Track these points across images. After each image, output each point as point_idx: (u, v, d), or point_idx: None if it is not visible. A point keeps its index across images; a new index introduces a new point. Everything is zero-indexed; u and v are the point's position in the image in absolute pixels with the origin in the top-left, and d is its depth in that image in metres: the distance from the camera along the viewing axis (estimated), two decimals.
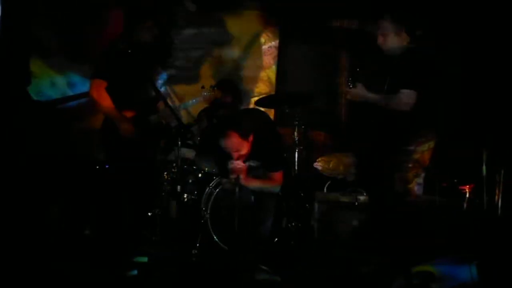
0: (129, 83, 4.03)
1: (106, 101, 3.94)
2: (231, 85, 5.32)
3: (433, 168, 3.92)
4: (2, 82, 4.46)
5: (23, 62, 5.06)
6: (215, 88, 4.50)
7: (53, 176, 4.83)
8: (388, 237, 3.80)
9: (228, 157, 3.93)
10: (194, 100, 4.61)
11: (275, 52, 6.16)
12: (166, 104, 4.18)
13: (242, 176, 3.83)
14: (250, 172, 4.01)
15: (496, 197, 4.32)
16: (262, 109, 5.13)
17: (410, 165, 3.74)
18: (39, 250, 4.19)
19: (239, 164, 3.87)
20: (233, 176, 3.83)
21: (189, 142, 5.11)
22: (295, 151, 5.01)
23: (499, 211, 4.27)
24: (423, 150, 3.75)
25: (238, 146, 3.81)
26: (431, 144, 3.76)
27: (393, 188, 3.74)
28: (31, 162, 4.67)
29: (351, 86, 3.69)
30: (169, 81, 6.06)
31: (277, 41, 6.15)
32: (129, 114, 4.03)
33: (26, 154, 4.64)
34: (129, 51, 3.96)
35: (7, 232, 4.17)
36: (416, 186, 3.79)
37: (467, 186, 4.51)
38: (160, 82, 5.86)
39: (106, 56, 4.05)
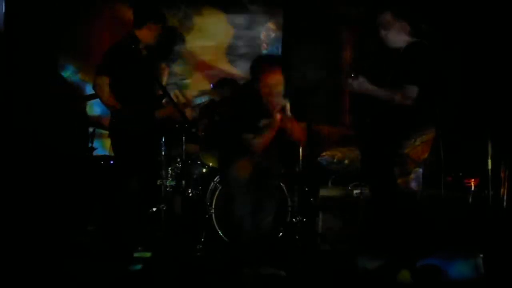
0: (133, 80, 4.02)
1: (108, 97, 3.94)
2: (231, 83, 5.31)
3: (438, 162, 3.90)
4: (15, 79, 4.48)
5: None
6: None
7: (57, 171, 4.84)
8: (392, 231, 3.79)
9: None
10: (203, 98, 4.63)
11: None
12: (171, 100, 4.17)
13: (286, 115, 3.68)
14: None
15: (502, 190, 4.32)
16: None
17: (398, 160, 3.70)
18: (42, 245, 4.20)
19: (279, 103, 3.71)
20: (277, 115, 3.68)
21: (193, 137, 5.10)
22: (299, 145, 5.00)
23: (505, 205, 4.27)
24: (415, 145, 3.69)
25: (280, 83, 3.70)
26: (424, 138, 3.70)
27: (394, 182, 3.72)
28: (37, 157, 4.68)
29: (353, 78, 3.67)
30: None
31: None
32: (133, 110, 4.02)
33: (32, 149, 4.65)
34: (133, 46, 3.96)
35: (13, 227, 4.18)
36: (412, 182, 3.71)
37: (472, 180, 4.50)
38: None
39: (110, 53, 4.04)
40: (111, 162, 4.88)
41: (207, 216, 4.59)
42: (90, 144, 5.03)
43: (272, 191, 3.91)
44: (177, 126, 4.99)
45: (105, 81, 3.93)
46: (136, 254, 4.01)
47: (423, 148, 3.67)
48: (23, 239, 4.16)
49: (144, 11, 4.10)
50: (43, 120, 4.84)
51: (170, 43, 5.84)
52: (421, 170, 3.72)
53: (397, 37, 3.73)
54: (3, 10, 4.33)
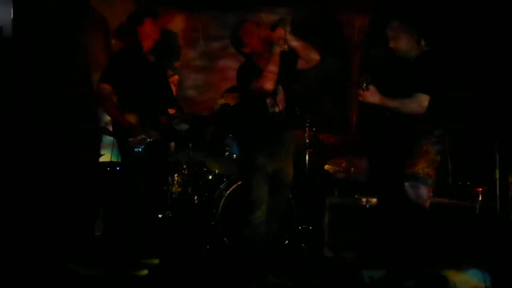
0: (137, 87, 4.02)
1: (111, 106, 3.94)
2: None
3: (445, 170, 3.88)
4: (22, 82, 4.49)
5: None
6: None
7: (64, 176, 4.85)
8: (399, 240, 3.77)
9: None
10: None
11: None
12: (178, 106, 4.18)
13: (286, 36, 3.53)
14: None
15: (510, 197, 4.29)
16: None
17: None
18: (48, 250, 4.20)
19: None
20: None
21: (200, 144, 5.10)
22: (306, 153, 5.00)
23: None
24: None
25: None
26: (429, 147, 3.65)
27: (403, 191, 3.69)
28: (42, 161, 4.68)
29: (364, 89, 3.66)
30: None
31: None
32: (136, 117, 4.00)
33: (34, 154, 4.65)
34: (140, 55, 3.96)
35: (18, 232, 4.18)
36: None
37: (480, 189, 4.48)
38: None
39: (114, 60, 4.04)
40: (118, 168, 4.89)
41: (213, 223, 4.58)
42: None
43: (286, 197, 3.89)
44: (183, 132, 5.00)
45: (106, 88, 3.92)
46: (144, 261, 4.01)
47: (419, 161, 3.62)
48: (28, 244, 4.16)
49: (128, 20, 4.10)
50: (51, 124, 4.85)
51: (168, 44, 5.79)
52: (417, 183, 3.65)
53: (407, 47, 3.72)
54: (11, 16, 4.34)
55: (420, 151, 3.61)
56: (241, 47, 3.72)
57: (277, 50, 3.54)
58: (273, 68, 3.53)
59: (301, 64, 3.70)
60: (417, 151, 3.62)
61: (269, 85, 3.52)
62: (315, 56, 3.65)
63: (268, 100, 3.64)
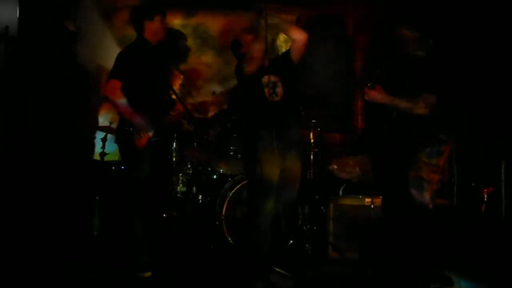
0: (145, 84, 4.01)
1: (121, 100, 3.93)
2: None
3: (451, 171, 3.88)
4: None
5: None
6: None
7: (68, 176, 4.85)
8: (403, 241, 3.76)
9: None
10: None
11: None
12: (183, 105, 4.17)
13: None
14: None
15: None
16: None
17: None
18: (49, 250, 4.21)
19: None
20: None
21: (204, 143, 5.10)
22: (310, 153, 4.99)
23: None
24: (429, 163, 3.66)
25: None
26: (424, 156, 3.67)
27: (408, 191, 3.69)
28: (44, 162, 4.69)
29: (370, 88, 3.65)
30: None
31: None
32: (143, 115, 4.00)
33: (38, 154, 4.67)
34: (147, 53, 3.95)
35: (21, 232, 4.19)
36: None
37: (485, 190, 4.47)
38: None
39: (122, 57, 4.03)
40: (123, 167, 4.89)
41: (217, 222, 4.58)
42: (101, 149, 5.05)
43: (292, 198, 3.90)
44: (188, 132, 5.01)
45: (117, 85, 3.92)
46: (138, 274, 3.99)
47: (418, 163, 3.63)
48: (29, 244, 4.17)
49: (137, 12, 4.09)
50: (50, 124, 4.86)
51: (174, 42, 5.78)
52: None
53: (413, 48, 3.71)
54: (17, 15, 4.35)
55: (419, 154, 3.62)
56: (239, 48, 3.89)
57: (262, 27, 3.63)
58: (258, 43, 3.65)
59: (293, 52, 3.77)
60: (417, 154, 3.63)
61: (255, 52, 3.65)
62: (300, 34, 3.72)
63: (266, 90, 3.69)
